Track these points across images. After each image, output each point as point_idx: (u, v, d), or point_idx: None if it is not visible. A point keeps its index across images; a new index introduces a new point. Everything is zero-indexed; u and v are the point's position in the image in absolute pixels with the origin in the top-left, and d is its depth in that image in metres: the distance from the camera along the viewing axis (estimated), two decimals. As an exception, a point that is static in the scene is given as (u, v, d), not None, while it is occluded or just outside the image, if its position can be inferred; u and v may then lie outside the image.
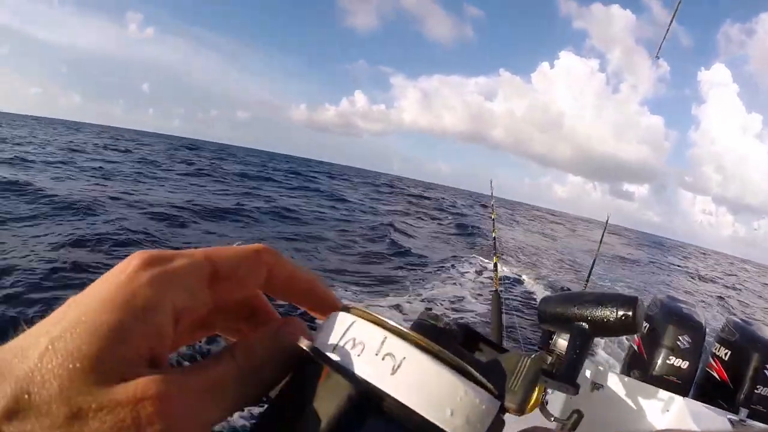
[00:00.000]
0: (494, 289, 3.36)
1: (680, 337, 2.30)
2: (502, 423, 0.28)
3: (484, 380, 0.27)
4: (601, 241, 2.89)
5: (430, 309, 0.34)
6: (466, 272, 9.40)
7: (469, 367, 0.26)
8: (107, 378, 0.21)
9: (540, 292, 8.08)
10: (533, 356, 0.31)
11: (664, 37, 5.07)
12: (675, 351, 2.28)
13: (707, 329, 2.40)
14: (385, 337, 0.26)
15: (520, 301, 7.45)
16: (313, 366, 0.26)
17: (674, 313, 2.41)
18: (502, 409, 0.28)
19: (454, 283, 8.32)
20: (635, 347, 2.47)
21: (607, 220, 3.04)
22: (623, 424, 2.04)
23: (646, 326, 2.49)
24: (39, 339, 0.22)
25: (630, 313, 0.57)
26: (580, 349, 0.57)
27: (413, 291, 7.46)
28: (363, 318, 0.27)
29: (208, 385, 0.24)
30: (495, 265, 2.47)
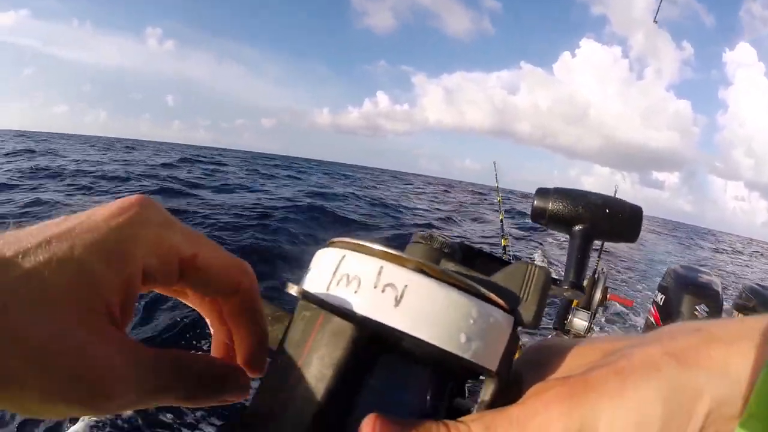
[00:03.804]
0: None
1: (697, 306, 2.28)
2: (518, 339, 0.26)
3: (494, 297, 0.24)
4: (601, 250, 2.78)
5: (423, 230, 0.31)
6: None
7: (477, 285, 0.24)
8: (73, 324, 0.22)
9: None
10: (540, 264, 0.28)
11: (660, 1, 5.02)
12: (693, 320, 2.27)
13: (724, 297, 2.38)
14: (381, 267, 0.23)
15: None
16: (307, 311, 0.25)
17: (690, 283, 2.39)
18: (517, 324, 0.26)
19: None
20: (653, 320, 2.46)
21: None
22: None
23: (662, 298, 2.47)
24: (26, 257, 0.22)
25: (635, 221, 0.56)
26: (583, 251, 0.55)
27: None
28: (352, 250, 0.25)
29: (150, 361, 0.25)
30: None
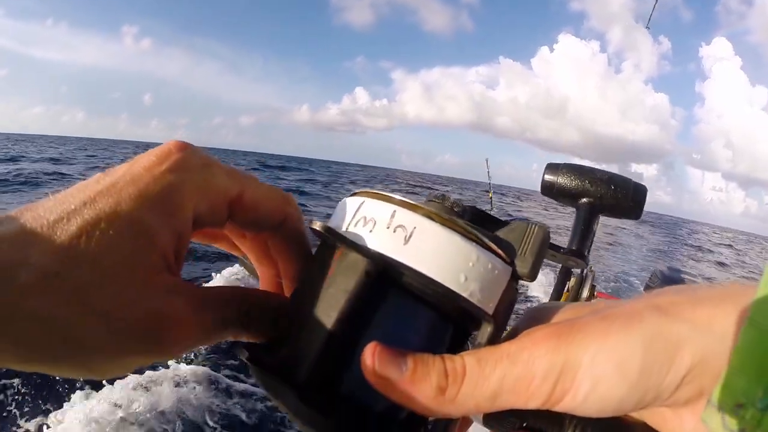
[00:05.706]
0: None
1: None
2: (516, 291, 0.28)
3: (494, 246, 0.27)
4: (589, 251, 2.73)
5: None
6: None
7: (479, 234, 0.26)
8: (134, 280, 0.22)
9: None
10: (540, 224, 0.30)
11: (654, 7, 5.09)
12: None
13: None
14: (395, 211, 0.26)
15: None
16: (328, 247, 0.28)
17: (675, 283, 2.42)
18: (515, 277, 0.28)
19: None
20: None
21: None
22: None
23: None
24: (71, 219, 0.21)
25: (639, 199, 0.59)
26: (588, 223, 0.58)
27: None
28: (371, 197, 0.28)
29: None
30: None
